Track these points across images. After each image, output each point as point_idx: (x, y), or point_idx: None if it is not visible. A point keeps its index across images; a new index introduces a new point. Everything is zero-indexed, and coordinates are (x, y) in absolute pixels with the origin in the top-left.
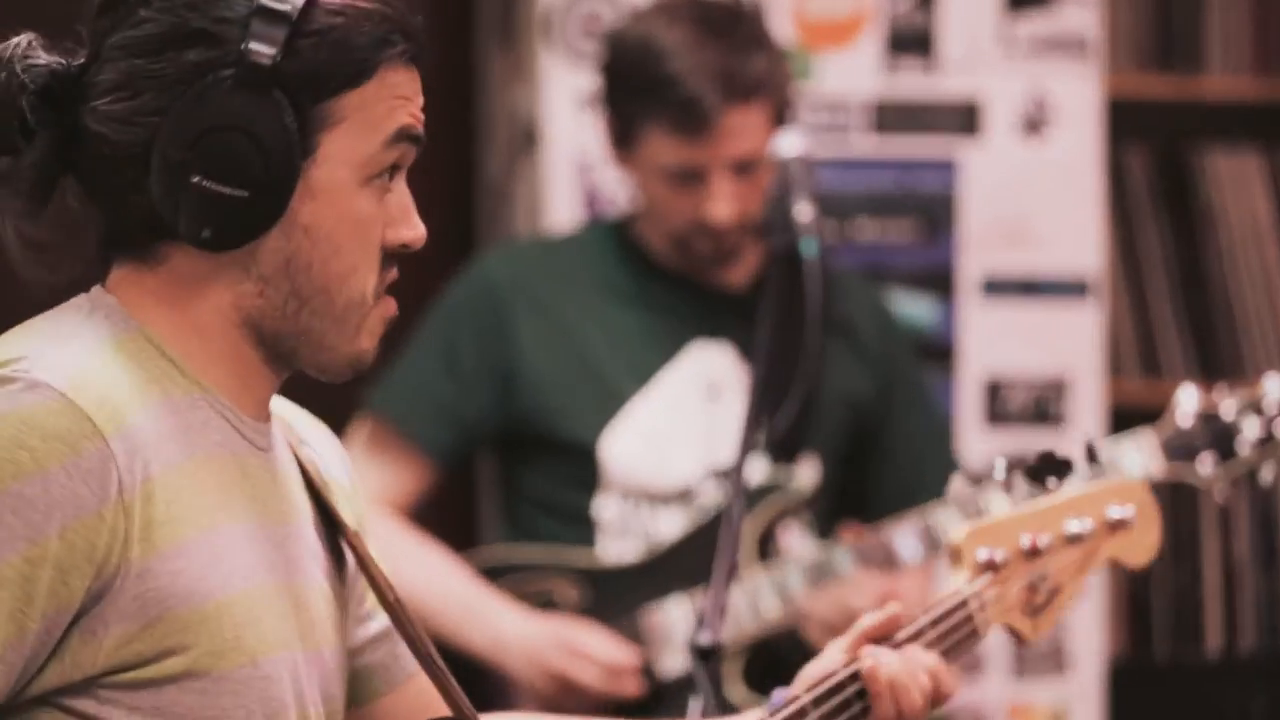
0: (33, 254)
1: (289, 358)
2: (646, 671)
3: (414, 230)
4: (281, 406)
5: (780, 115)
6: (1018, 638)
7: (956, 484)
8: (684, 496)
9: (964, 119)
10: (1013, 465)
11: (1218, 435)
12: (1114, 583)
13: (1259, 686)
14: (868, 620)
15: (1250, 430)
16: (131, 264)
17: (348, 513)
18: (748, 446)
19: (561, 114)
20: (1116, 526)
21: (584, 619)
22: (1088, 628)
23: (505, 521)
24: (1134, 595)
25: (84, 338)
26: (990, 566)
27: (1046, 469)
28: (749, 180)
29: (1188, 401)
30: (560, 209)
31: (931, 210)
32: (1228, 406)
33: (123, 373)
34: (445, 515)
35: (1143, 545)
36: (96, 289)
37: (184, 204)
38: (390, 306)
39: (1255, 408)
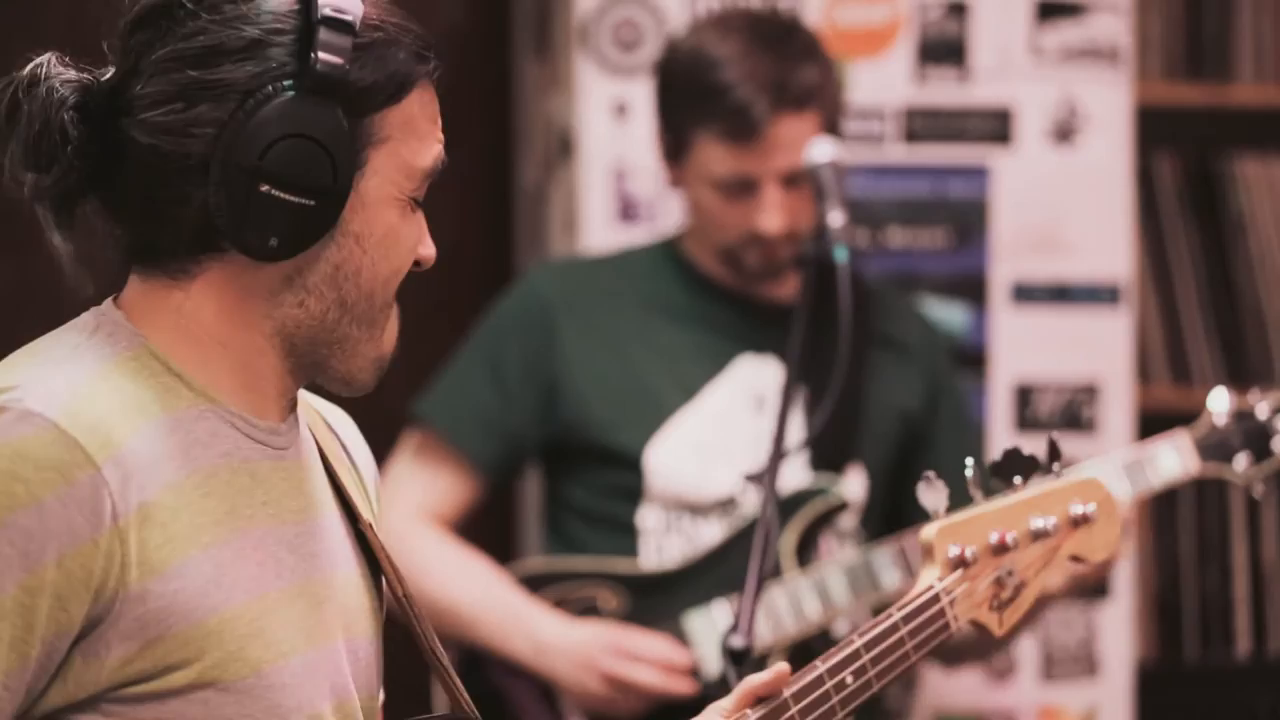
0: (79, 266)
1: (316, 368)
2: (695, 671)
3: (430, 249)
4: (310, 399)
5: (832, 127)
6: (986, 632)
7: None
8: (725, 507)
9: (995, 127)
10: (980, 463)
11: (1252, 435)
12: (1143, 586)
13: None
14: (753, 680)
15: None
16: (157, 278)
17: (364, 504)
18: (779, 451)
19: (596, 122)
20: (1079, 522)
21: (627, 625)
22: (1117, 631)
23: (550, 531)
24: (1163, 599)
25: (82, 360)
26: (960, 562)
27: (1012, 467)
28: (800, 192)
29: (1222, 402)
30: (595, 216)
31: (963, 217)
32: (1262, 407)
33: (120, 394)
34: (486, 528)
35: (1104, 541)
36: (105, 304)
37: (250, 213)
38: (395, 311)
39: None
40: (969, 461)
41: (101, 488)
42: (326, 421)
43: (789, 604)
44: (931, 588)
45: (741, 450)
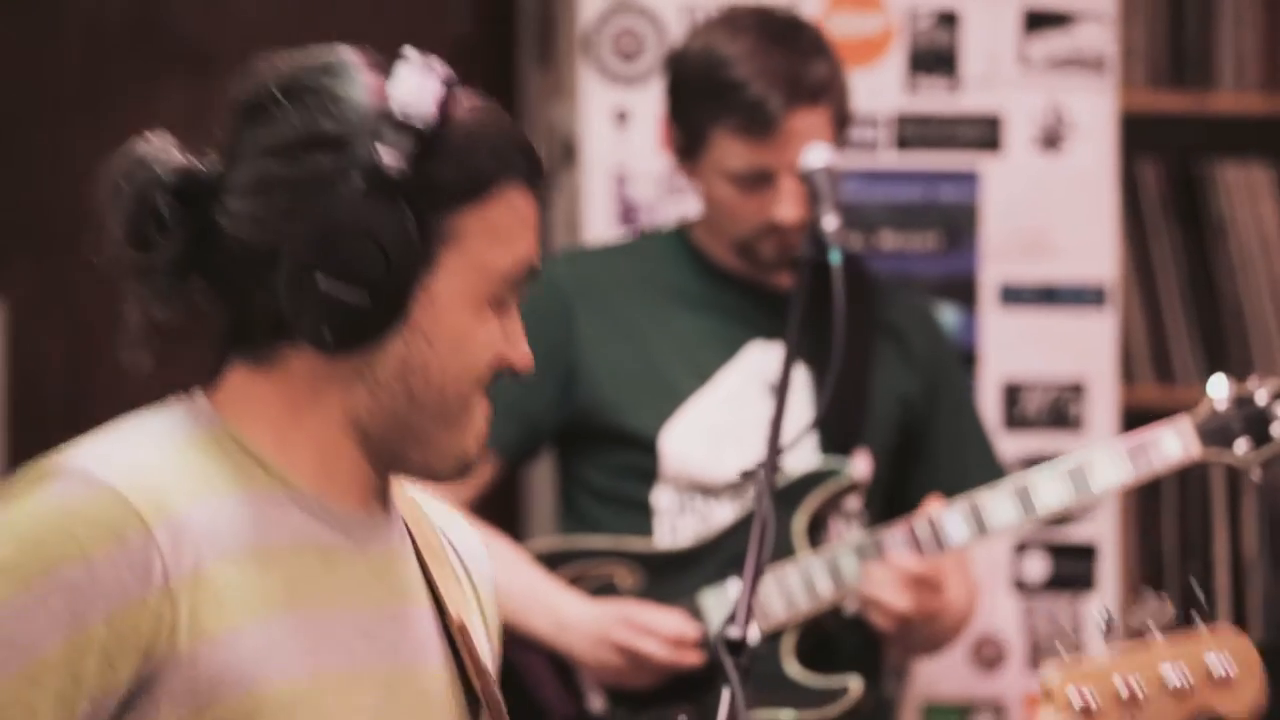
0: (155, 344)
1: (395, 460)
2: (706, 644)
3: (522, 356)
4: (419, 496)
5: (842, 122)
6: None
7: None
8: (737, 488)
9: (985, 133)
10: (1116, 617)
11: (1252, 420)
12: (1127, 577)
13: (1268, 678)
14: None
15: None
16: (247, 365)
17: (462, 604)
18: (775, 447)
19: (598, 129)
20: (1221, 682)
21: (644, 602)
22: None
23: (565, 510)
24: (1146, 589)
25: (154, 434)
26: (1086, 713)
27: (1143, 610)
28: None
29: (1221, 388)
30: (597, 217)
31: (953, 221)
32: (1261, 393)
33: (189, 468)
34: (495, 506)
35: (1248, 701)
36: (193, 391)
37: (307, 304)
38: (486, 407)
39: None
40: (1103, 609)
41: (152, 549)
42: (429, 516)
43: (802, 582)
44: None
45: (753, 433)
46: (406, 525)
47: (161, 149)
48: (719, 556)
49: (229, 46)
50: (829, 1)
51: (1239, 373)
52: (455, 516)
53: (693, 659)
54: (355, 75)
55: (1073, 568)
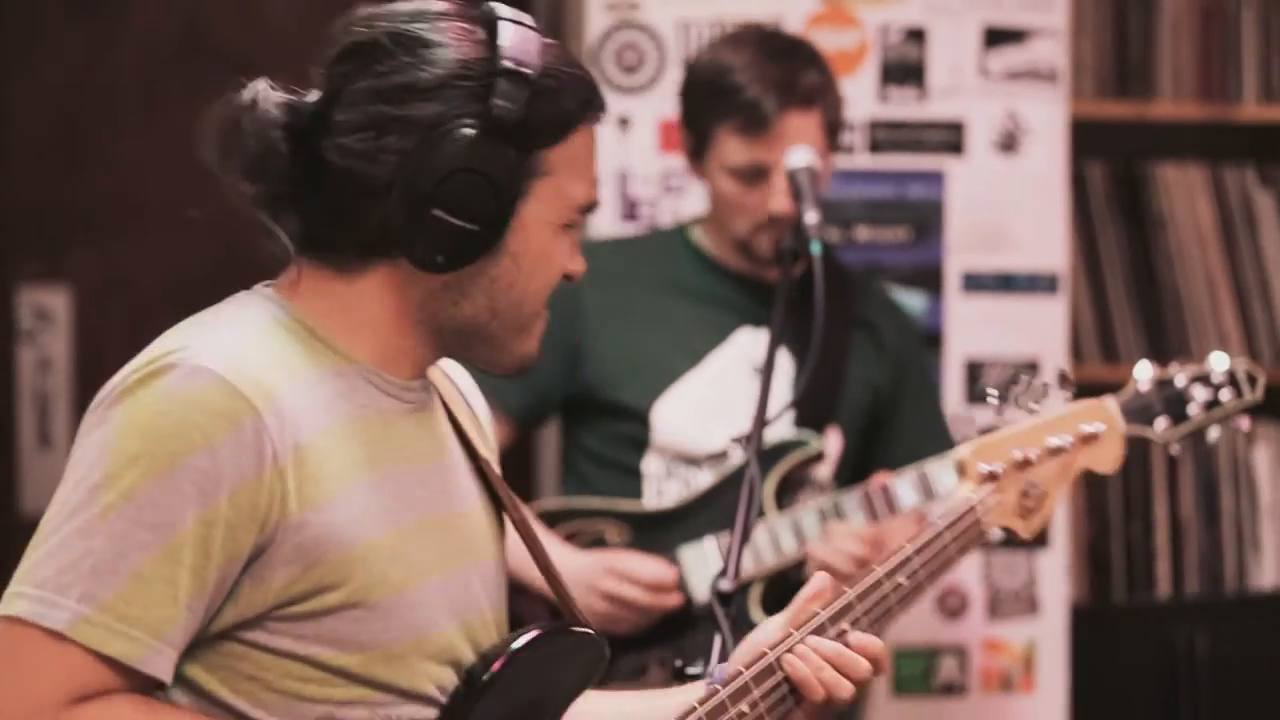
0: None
1: (461, 352)
2: (683, 588)
3: (579, 265)
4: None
5: (833, 128)
6: (1014, 535)
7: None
8: (716, 458)
9: (949, 138)
10: (1003, 393)
11: (1171, 401)
12: (1076, 536)
13: (1203, 626)
14: (805, 592)
15: (1199, 396)
16: (327, 270)
17: (481, 443)
18: (761, 419)
19: (602, 133)
20: (1089, 439)
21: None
22: (1054, 575)
23: (565, 471)
24: (1094, 547)
25: (241, 324)
26: (991, 477)
27: (1030, 395)
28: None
29: (1145, 371)
30: (602, 213)
31: (921, 216)
32: (1180, 377)
33: (272, 353)
34: (509, 469)
35: (1110, 455)
36: (258, 286)
37: (422, 232)
38: (546, 314)
39: (1203, 378)
40: (992, 390)
41: (263, 432)
42: (450, 378)
43: (769, 540)
44: (969, 499)
45: (737, 410)
46: (435, 383)
47: (268, 91)
48: (697, 517)
49: (265, 55)
50: (810, 18)
51: (1176, 352)
52: (458, 367)
53: (670, 602)
54: (457, 26)
55: None
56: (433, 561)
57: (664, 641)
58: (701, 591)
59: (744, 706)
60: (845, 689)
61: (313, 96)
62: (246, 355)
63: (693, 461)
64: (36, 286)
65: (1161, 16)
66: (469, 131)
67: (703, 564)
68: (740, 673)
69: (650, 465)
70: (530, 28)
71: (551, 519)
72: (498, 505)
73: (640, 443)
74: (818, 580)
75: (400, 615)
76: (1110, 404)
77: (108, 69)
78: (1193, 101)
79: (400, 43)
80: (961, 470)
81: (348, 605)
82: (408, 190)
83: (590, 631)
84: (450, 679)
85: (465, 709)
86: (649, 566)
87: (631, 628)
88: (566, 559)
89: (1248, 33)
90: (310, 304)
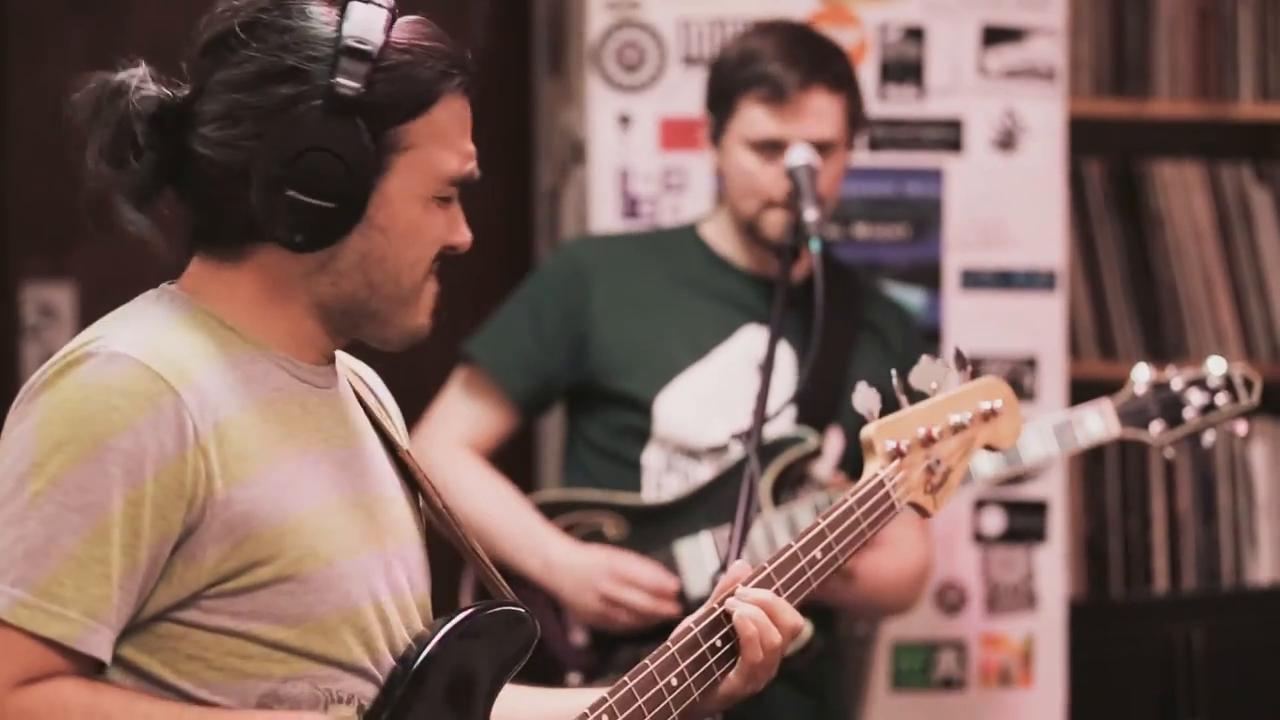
0: (157, 238)
1: (354, 330)
2: (681, 597)
3: (462, 237)
4: (344, 358)
5: (855, 121)
6: (922, 512)
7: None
8: (717, 452)
9: (948, 136)
10: (903, 374)
11: (1167, 404)
12: (1074, 532)
13: (1200, 621)
14: (724, 579)
15: (1195, 401)
16: (215, 260)
17: (400, 438)
18: (761, 416)
19: (604, 132)
20: (988, 416)
21: (627, 550)
22: (1052, 571)
23: (566, 460)
24: (1092, 543)
25: (152, 316)
26: (897, 454)
27: (928, 375)
28: (826, 164)
29: (1142, 375)
30: (603, 212)
31: (920, 213)
32: (1177, 380)
33: (187, 340)
34: (512, 460)
35: (1009, 430)
36: (163, 284)
37: (280, 213)
38: (434, 286)
39: (1199, 382)
40: (893, 373)
41: (183, 410)
42: (359, 375)
43: (764, 536)
44: (876, 475)
45: (739, 406)
46: (349, 381)
47: (141, 81)
48: (694, 512)
49: None
50: (811, 17)
51: (1173, 349)
52: (366, 368)
53: (670, 609)
54: (310, 10)
55: (1026, 522)
56: (358, 540)
57: (659, 636)
58: (698, 586)
59: (672, 679)
60: (773, 635)
61: (184, 90)
62: (160, 341)
63: (693, 454)
64: (41, 283)
65: (1158, 16)
66: (315, 112)
67: (699, 559)
68: (689, 629)
69: (651, 457)
70: (381, 6)
71: (550, 510)
72: (415, 494)
73: (642, 433)
74: (736, 567)
75: (331, 587)
76: (1004, 382)
77: (111, 67)
78: (1190, 100)
79: (254, 32)
80: (869, 448)
81: (280, 579)
82: (262, 173)
83: (520, 609)
84: (384, 655)
85: (402, 688)
86: (652, 572)
87: (626, 628)
88: (568, 552)
89: (1244, 31)
90: (211, 295)
